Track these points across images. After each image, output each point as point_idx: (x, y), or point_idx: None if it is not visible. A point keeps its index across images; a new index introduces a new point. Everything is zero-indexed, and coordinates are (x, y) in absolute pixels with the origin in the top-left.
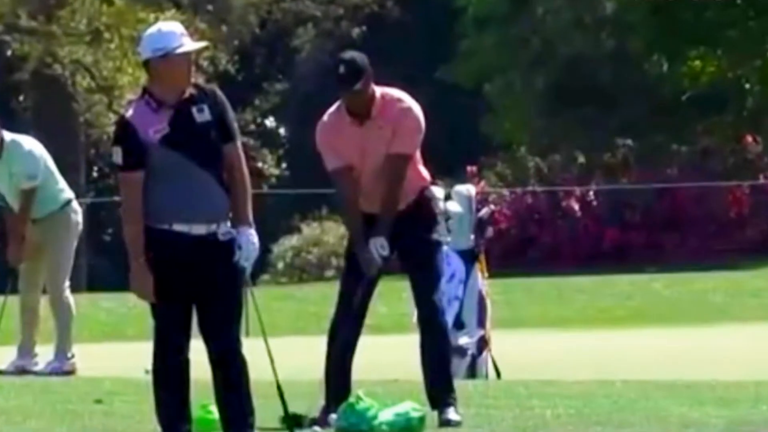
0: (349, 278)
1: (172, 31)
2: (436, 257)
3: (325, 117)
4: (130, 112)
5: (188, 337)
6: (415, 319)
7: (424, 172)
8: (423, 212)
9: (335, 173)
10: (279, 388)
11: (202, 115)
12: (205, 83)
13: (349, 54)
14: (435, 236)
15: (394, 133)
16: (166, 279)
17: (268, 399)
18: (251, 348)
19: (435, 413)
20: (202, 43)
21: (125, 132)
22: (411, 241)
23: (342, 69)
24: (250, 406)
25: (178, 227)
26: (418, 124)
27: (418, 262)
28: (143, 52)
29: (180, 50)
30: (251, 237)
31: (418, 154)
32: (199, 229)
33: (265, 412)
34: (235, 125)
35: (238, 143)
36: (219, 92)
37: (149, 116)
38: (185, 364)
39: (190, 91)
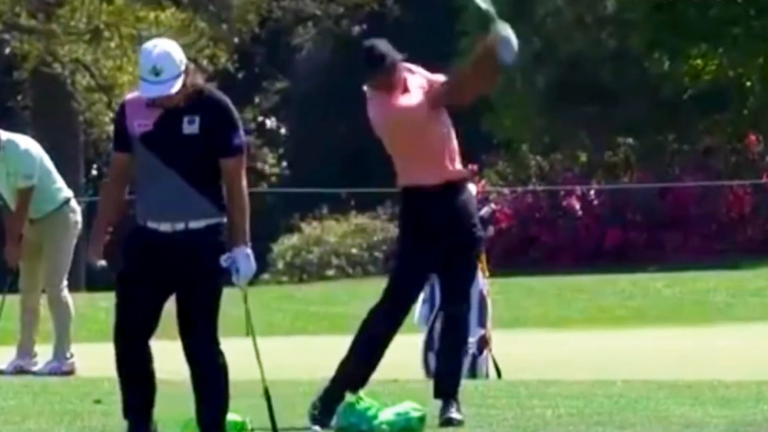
0: (405, 272)
1: (153, 66)
2: (476, 256)
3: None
4: (130, 96)
5: (148, 333)
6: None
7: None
8: (470, 203)
9: None
10: (266, 391)
11: (192, 127)
12: (211, 90)
13: (369, 42)
14: (480, 233)
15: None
16: (136, 273)
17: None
18: (251, 348)
19: (435, 413)
20: (174, 88)
21: (119, 113)
22: (461, 231)
23: (364, 56)
24: (224, 407)
25: (151, 224)
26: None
27: (464, 254)
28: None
29: (146, 94)
30: (248, 258)
31: (455, 143)
32: (165, 227)
33: (265, 413)
34: (237, 140)
35: (237, 158)
36: (223, 104)
37: (141, 108)
38: (144, 357)
39: (189, 98)
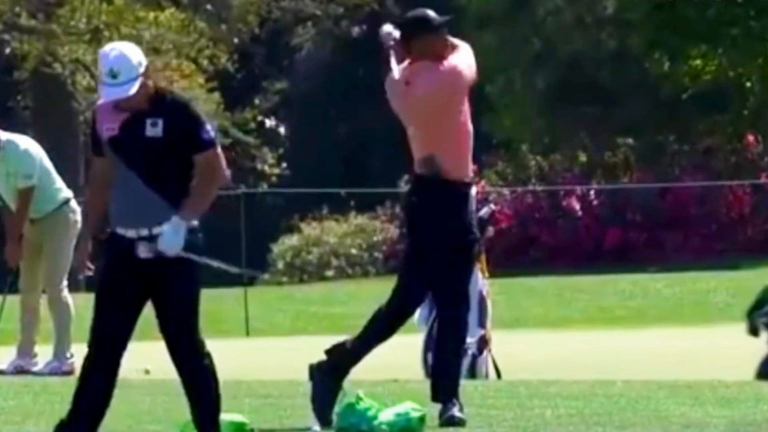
0: (415, 273)
1: (110, 69)
2: (474, 256)
3: None
4: (101, 101)
5: (122, 343)
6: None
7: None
8: (471, 204)
9: None
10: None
11: (154, 129)
12: (174, 92)
13: (419, 10)
14: (477, 234)
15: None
16: (110, 280)
17: (268, 399)
18: (251, 348)
19: (435, 414)
20: (131, 90)
21: (92, 118)
22: (462, 232)
23: (414, 22)
24: (216, 406)
25: (119, 230)
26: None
27: (462, 256)
28: None
29: (104, 97)
30: (175, 231)
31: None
32: (131, 233)
33: (265, 412)
34: (206, 135)
35: (209, 151)
36: (186, 105)
37: (109, 112)
38: (111, 371)
39: (153, 101)
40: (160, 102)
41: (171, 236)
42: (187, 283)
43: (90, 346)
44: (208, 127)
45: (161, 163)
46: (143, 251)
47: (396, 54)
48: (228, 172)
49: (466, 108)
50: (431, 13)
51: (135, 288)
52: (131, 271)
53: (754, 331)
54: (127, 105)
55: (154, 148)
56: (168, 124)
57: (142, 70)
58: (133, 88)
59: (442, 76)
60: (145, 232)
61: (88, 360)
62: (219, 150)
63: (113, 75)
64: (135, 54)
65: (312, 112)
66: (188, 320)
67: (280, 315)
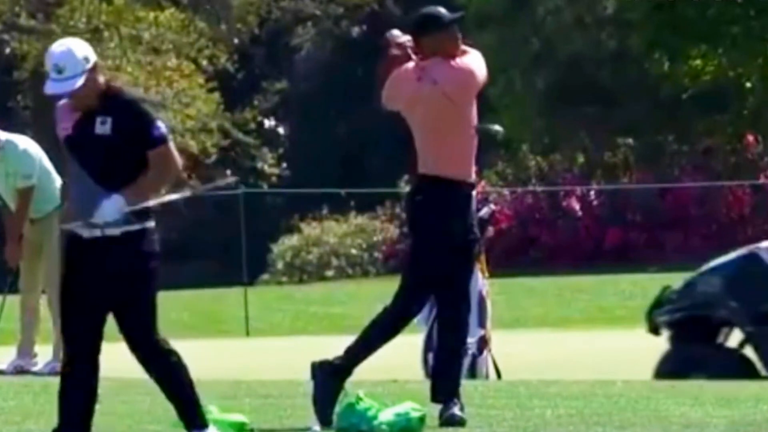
0: (420, 276)
1: (55, 64)
2: (474, 256)
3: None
4: (62, 101)
5: (93, 346)
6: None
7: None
8: (472, 204)
9: None
10: None
11: (103, 127)
12: (123, 90)
13: (426, 9)
14: (477, 234)
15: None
16: (70, 282)
17: (268, 399)
18: (251, 348)
19: (435, 414)
20: (76, 84)
21: (54, 118)
22: (463, 232)
23: (423, 20)
24: (194, 399)
25: (75, 230)
26: None
27: (462, 256)
28: None
29: (47, 91)
30: (114, 205)
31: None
32: (86, 233)
33: (265, 412)
34: (156, 132)
35: (161, 147)
36: (134, 102)
37: (67, 111)
38: (87, 371)
39: (103, 100)
40: (110, 100)
41: (107, 207)
42: (141, 288)
43: (65, 348)
44: (159, 123)
45: (112, 161)
46: (85, 232)
47: (397, 63)
48: (180, 167)
49: (474, 109)
50: (442, 10)
51: (93, 292)
52: (87, 273)
53: (654, 330)
54: (78, 103)
55: (104, 146)
56: (117, 122)
57: (88, 65)
58: (78, 83)
59: (454, 71)
60: (97, 232)
61: (66, 361)
62: (171, 145)
63: (59, 70)
64: (81, 49)
65: (311, 112)
66: (146, 323)
67: (280, 315)
